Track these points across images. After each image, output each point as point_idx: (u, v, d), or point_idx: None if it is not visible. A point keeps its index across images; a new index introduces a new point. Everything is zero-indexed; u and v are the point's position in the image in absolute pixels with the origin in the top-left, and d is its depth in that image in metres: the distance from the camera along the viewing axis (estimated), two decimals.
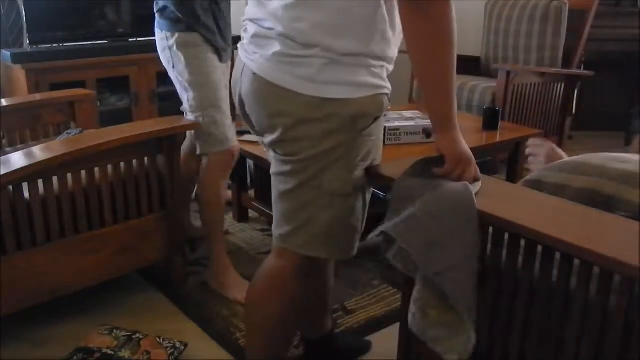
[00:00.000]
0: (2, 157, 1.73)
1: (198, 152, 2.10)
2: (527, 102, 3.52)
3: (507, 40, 3.86)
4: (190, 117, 2.04)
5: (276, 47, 1.20)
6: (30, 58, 3.01)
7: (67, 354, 1.71)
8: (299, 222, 1.29)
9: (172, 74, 2.05)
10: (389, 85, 1.27)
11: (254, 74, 1.24)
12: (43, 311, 1.91)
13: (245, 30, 1.31)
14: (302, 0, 1.16)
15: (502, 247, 1.17)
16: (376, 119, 1.26)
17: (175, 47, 1.97)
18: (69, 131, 2.21)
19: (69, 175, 1.81)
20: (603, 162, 1.27)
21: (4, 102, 2.37)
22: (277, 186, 1.31)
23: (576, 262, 1.04)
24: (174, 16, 1.94)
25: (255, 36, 1.27)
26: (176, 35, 1.95)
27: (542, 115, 3.64)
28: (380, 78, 1.24)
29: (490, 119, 2.66)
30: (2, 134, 2.24)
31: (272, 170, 1.32)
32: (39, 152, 1.79)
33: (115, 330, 1.79)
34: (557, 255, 1.06)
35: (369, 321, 1.98)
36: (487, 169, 1.22)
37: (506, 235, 1.15)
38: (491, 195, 1.21)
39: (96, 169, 1.86)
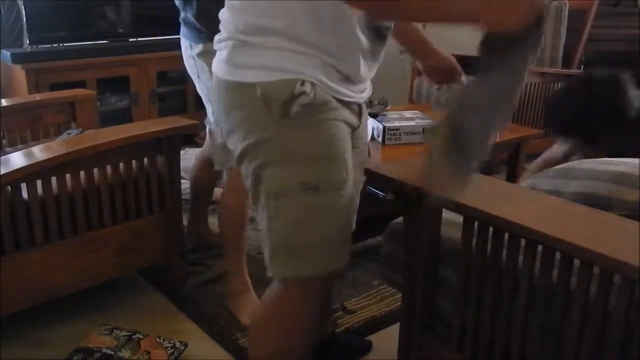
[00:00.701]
0: (1, 157, 1.73)
1: (215, 166, 2.01)
2: (527, 102, 3.52)
3: None
4: (214, 129, 1.97)
5: (216, 38, 1.22)
6: (30, 58, 3.01)
7: (67, 354, 1.71)
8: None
9: (197, 83, 2.00)
10: (316, 75, 1.11)
11: None
12: (43, 311, 1.90)
13: None
14: None
15: (502, 247, 1.17)
16: (309, 108, 1.11)
17: (198, 57, 1.91)
18: (69, 131, 2.20)
19: (68, 176, 1.80)
20: (592, 166, 1.27)
21: (4, 102, 2.37)
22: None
23: (576, 262, 1.04)
24: (195, 26, 1.88)
25: None
26: (199, 45, 1.88)
27: (542, 115, 3.64)
28: (301, 64, 1.11)
29: None
30: (2, 134, 2.24)
31: None
32: (38, 153, 1.79)
33: (115, 330, 1.79)
34: (557, 255, 1.06)
35: (369, 321, 1.98)
36: (487, 169, 1.21)
37: (506, 235, 1.15)
38: (491, 195, 1.21)
39: (95, 170, 1.86)
